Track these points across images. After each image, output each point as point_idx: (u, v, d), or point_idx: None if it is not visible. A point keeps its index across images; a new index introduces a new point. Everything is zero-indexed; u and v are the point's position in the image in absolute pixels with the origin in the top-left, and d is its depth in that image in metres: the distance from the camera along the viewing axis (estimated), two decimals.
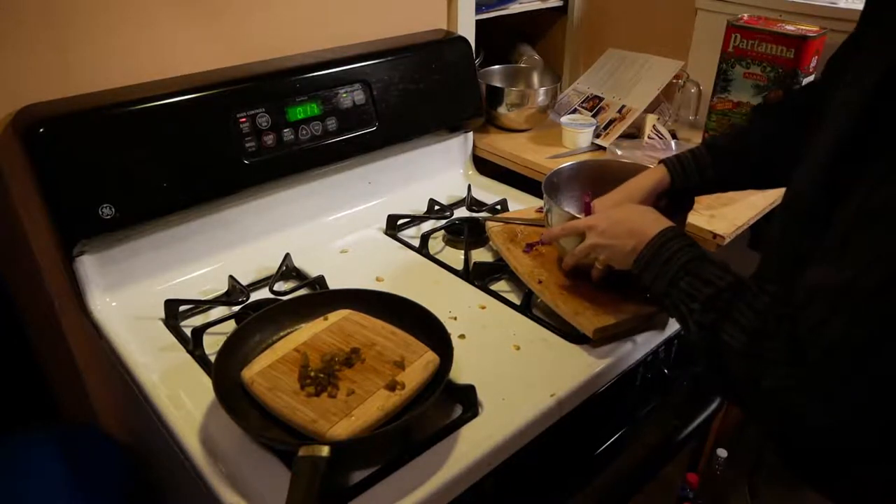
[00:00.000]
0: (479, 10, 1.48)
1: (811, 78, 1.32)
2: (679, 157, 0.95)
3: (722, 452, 1.59)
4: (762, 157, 0.91)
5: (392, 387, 0.77)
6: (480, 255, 1.15)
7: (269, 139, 1.08)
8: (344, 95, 1.16)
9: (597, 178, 1.07)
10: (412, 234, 1.24)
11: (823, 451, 0.66)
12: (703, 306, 0.65)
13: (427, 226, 1.25)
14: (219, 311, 1.01)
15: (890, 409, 0.54)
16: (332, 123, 1.15)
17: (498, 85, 1.54)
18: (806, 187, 0.68)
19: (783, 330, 0.57)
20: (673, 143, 1.37)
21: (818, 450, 0.67)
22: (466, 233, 1.17)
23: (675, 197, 0.97)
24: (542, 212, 1.16)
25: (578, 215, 0.94)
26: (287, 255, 1.10)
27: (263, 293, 1.03)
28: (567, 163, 1.09)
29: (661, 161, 0.96)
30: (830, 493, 0.67)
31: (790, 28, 1.29)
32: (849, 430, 0.57)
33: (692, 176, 0.94)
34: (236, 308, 0.99)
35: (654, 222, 0.79)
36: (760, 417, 0.65)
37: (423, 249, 1.16)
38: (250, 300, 1.01)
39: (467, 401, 0.81)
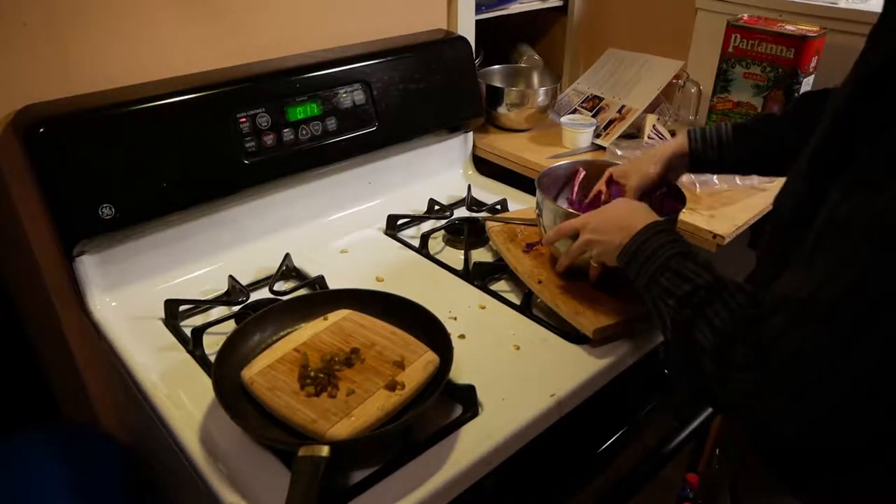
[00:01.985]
0: (479, 10, 1.48)
1: (811, 78, 1.32)
2: (703, 130, 0.96)
3: None
4: (782, 148, 0.91)
5: (392, 387, 0.77)
6: (480, 255, 1.15)
7: (269, 139, 1.08)
8: (344, 95, 1.16)
9: (592, 179, 1.07)
10: (412, 234, 1.24)
11: (796, 453, 0.66)
12: (678, 303, 0.65)
13: (427, 226, 1.25)
14: (219, 311, 1.01)
15: (848, 419, 0.54)
16: (332, 123, 1.15)
17: (498, 85, 1.54)
18: (788, 192, 0.68)
19: (752, 334, 0.57)
20: None
21: (790, 451, 0.67)
22: (466, 233, 1.17)
23: (694, 168, 0.98)
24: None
25: (571, 210, 0.94)
26: (287, 255, 1.10)
27: (263, 293, 1.03)
28: (561, 162, 1.09)
29: (688, 130, 0.98)
30: (806, 496, 0.67)
31: (790, 28, 1.28)
32: (808, 437, 0.57)
33: (710, 151, 0.95)
34: (236, 308, 0.99)
35: (643, 217, 0.79)
36: (731, 418, 0.65)
37: (423, 249, 1.16)
38: (250, 300, 1.01)
39: (467, 401, 0.81)
